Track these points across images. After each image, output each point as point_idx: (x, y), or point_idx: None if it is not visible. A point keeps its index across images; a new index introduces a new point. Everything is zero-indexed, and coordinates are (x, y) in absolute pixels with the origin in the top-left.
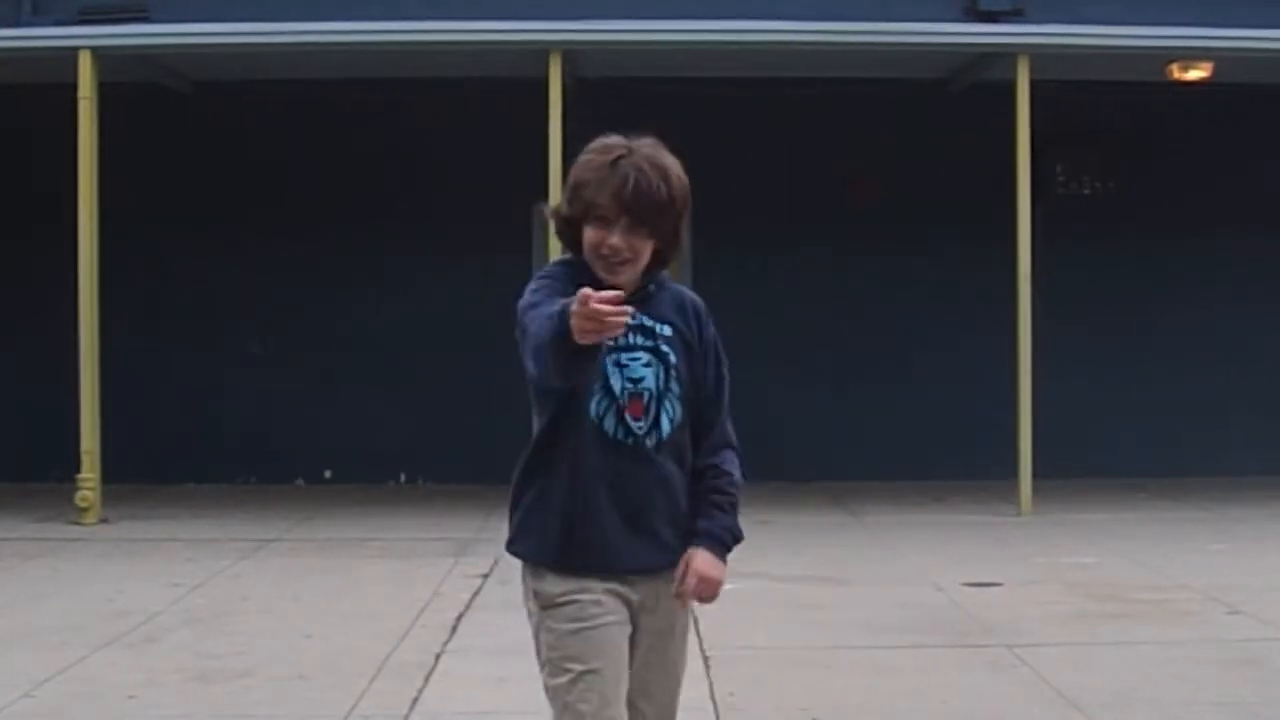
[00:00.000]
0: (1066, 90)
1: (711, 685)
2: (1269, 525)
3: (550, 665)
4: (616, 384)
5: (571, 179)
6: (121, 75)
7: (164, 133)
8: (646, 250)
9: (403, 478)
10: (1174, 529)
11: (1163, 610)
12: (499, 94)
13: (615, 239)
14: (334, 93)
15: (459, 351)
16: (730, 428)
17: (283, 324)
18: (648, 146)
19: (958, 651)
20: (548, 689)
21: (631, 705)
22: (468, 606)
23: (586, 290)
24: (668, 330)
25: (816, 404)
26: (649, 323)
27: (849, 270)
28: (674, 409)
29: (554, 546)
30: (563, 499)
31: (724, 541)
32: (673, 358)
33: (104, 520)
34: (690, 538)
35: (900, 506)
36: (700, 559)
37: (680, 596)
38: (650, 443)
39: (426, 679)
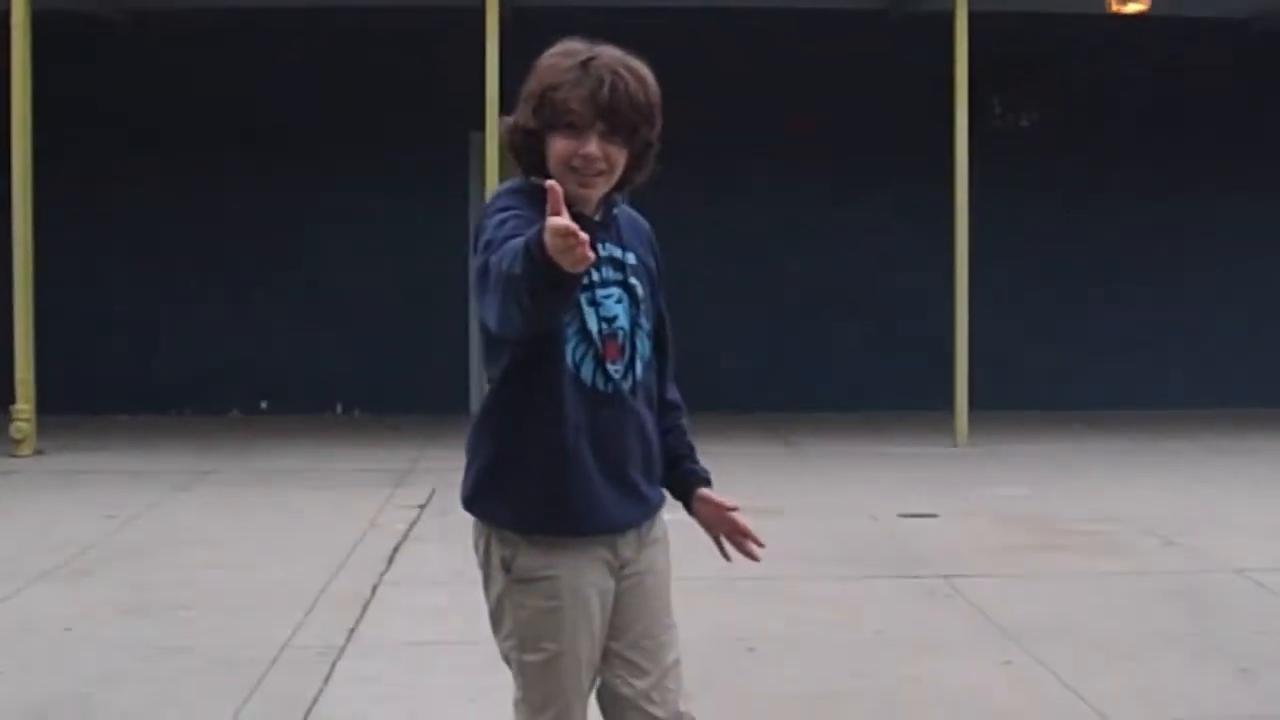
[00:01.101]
0: (1005, 22)
1: None
2: (1202, 458)
3: (519, 640)
4: (593, 325)
5: (535, 84)
6: (55, 3)
7: (98, 63)
8: (621, 161)
9: (339, 408)
10: (1109, 461)
11: (1097, 542)
12: (436, 22)
13: (591, 147)
14: (267, 21)
15: (394, 281)
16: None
17: (217, 254)
18: (614, 49)
19: (894, 582)
20: (511, 660)
21: (625, 665)
22: (404, 537)
23: (553, 218)
24: (633, 259)
25: (753, 335)
26: (617, 252)
27: (787, 201)
28: (644, 347)
29: (534, 515)
30: (543, 459)
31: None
32: (640, 290)
33: (39, 452)
34: (682, 481)
35: (837, 438)
36: (715, 495)
37: (748, 544)
38: (626, 386)
39: (364, 610)
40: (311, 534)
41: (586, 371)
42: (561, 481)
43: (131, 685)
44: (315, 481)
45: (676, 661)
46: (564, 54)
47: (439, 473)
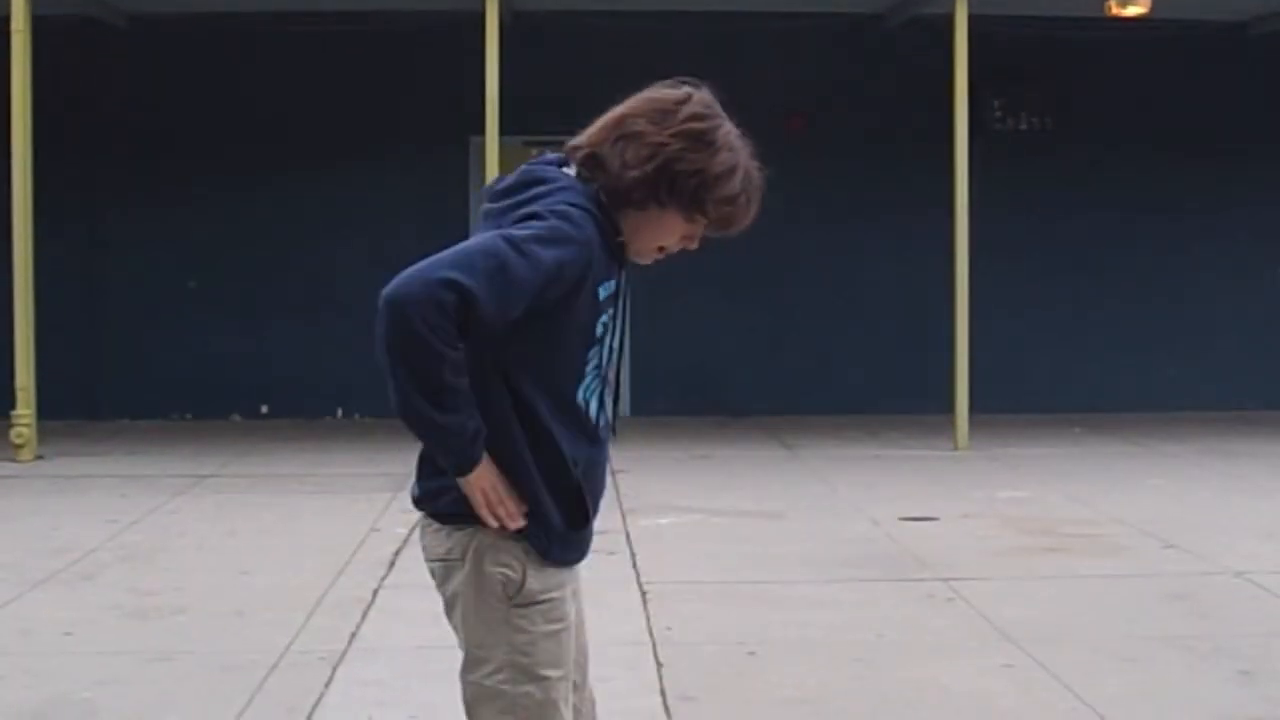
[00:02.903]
0: (1004, 26)
1: (649, 619)
2: (1203, 460)
3: (515, 670)
4: (604, 359)
5: (726, 183)
6: (55, 8)
7: (98, 67)
8: None
9: (339, 412)
10: (1109, 464)
11: (1097, 544)
12: (436, 28)
13: (695, 244)
14: (266, 25)
15: None
16: None
17: (217, 259)
18: (740, 137)
19: (894, 585)
20: (499, 696)
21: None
22: (405, 541)
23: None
24: (626, 287)
25: (754, 339)
26: (627, 285)
27: (786, 206)
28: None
29: (552, 542)
30: (558, 492)
31: None
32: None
33: (40, 457)
34: None
35: (837, 441)
36: None
37: None
38: (611, 422)
39: (364, 614)
40: (312, 538)
41: (593, 408)
42: (572, 513)
43: (132, 690)
44: (316, 486)
45: None
46: (727, 147)
47: None
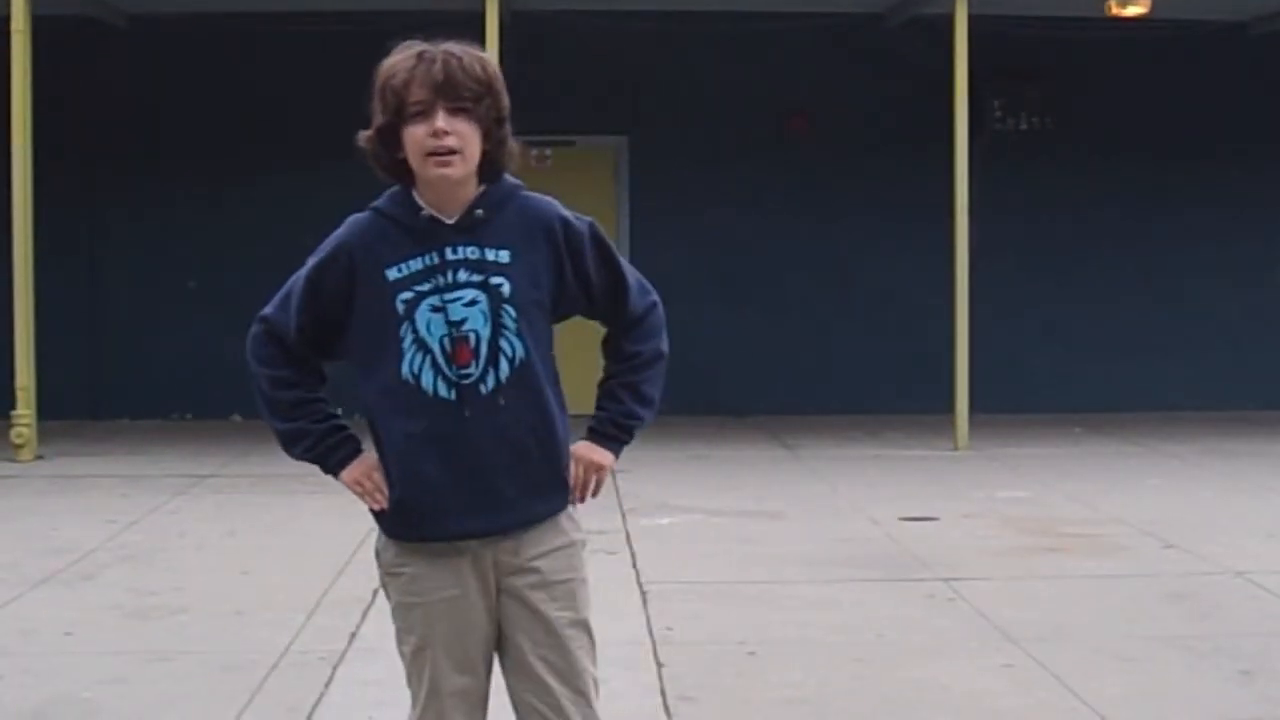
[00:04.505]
0: (1005, 26)
1: (649, 619)
2: (1203, 460)
3: (395, 628)
4: (435, 332)
5: (377, 84)
6: (55, 8)
7: (98, 67)
8: (475, 140)
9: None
10: (1109, 464)
11: (1098, 545)
12: (435, 26)
13: (439, 123)
14: (265, 25)
15: None
16: (644, 309)
17: (217, 259)
18: (451, 42)
19: (894, 585)
20: (399, 649)
21: (528, 676)
22: None
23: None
24: (505, 256)
25: (753, 338)
26: (476, 254)
27: (786, 204)
28: (513, 346)
29: (386, 517)
30: (390, 464)
31: (605, 434)
32: (507, 288)
33: (40, 457)
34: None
35: (836, 441)
36: (580, 446)
37: (574, 489)
38: (485, 390)
39: (364, 614)
40: (313, 538)
41: (426, 380)
42: (402, 489)
43: (132, 689)
44: (316, 485)
45: (584, 671)
46: (399, 51)
47: None
